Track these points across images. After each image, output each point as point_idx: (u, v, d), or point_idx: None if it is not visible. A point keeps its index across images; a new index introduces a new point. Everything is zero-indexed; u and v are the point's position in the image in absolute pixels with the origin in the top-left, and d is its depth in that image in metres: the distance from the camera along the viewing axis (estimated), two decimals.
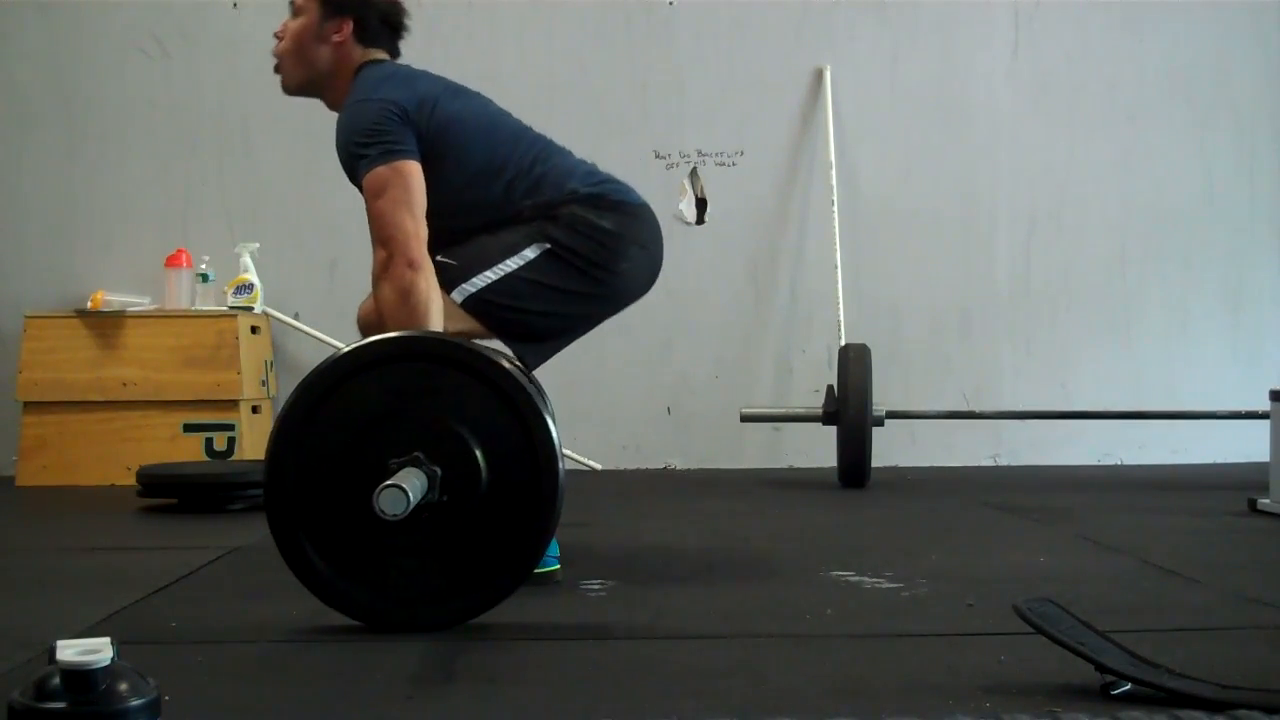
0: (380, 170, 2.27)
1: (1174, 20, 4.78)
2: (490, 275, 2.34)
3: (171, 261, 4.33)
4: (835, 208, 4.53)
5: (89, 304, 4.16)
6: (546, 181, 2.40)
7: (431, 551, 1.88)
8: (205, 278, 4.32)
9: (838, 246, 4.49)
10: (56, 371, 4.09)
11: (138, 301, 4.27)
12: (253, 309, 4.28)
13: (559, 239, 2.37)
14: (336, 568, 1.88)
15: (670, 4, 4.67)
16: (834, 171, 4.56)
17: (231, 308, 4.23)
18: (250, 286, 4.28)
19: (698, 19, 4.67)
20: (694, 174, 4.65)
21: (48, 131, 4.56)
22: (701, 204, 4.66)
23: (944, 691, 1.54)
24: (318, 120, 4.64)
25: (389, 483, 1.77)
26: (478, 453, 1.87)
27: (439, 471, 1.85)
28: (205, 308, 4.26)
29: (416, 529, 1.85)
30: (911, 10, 4.72)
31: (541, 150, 2.46)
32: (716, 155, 4.66)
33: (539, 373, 2.50)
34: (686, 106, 4.66)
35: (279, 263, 4.43)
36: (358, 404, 1.89)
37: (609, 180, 2.48)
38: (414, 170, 2.28)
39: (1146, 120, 4.78)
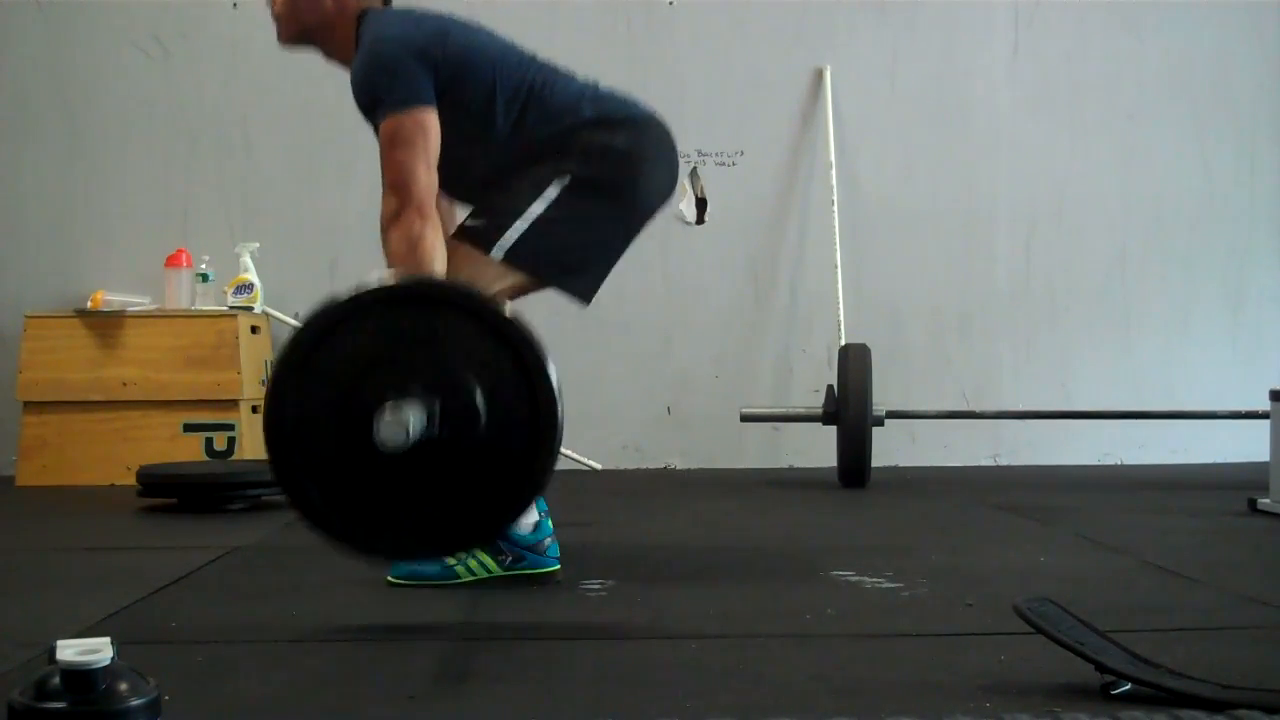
0: (399, 118, 2.26)
1: (1174, 20, 4.78)
2: (521, 225, 2.33)
3: (171, 261, 4.33)
4: (835, 208, 4.53)
5: (89, 304, 4.16)
6: (556, 106, 2.39)
7: (431, 488, 1.87)
8: (205, 278, 4.32)
9: (838, 246, 4.49)
10: (56, 371, 4.09)
11: (138, 301, 4.27)
12: (253, 309, 4.28)
13: (576, 170, 2.36)
14: (337, 505, 1.88)
15: (670, 4, 4.67)
16: (834, 171, 4.56)
17: (231, 308, 4.23)
18: (250, 286, 4.28)
19: (697, 19, 4.67)
20: (694, 174, 4.65)
21: (48, 131, 4.55)
22: (701, 204, 4.66)
23: (944, 691, 1.54)
24: (318, 120, 4.68)
25: (388, 416, 1.77)
26: (476, 389, 1.86)
27: (438, 406, 1.83)
28: (205, 308, 4.26)
29: (416, 466, 1.83)
30: (911, 10, 4.72)
31: (550, 75, 2.45)
32: (716, 155, 4.66)
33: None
34: (686, 106, 4.65)
35: (279, 263, 4.42)
36: (357, 345, 1.88)
37: (611, 98, 2.46)
38: (431, 119, 2.28)
39: (1146, 120, 4.78)
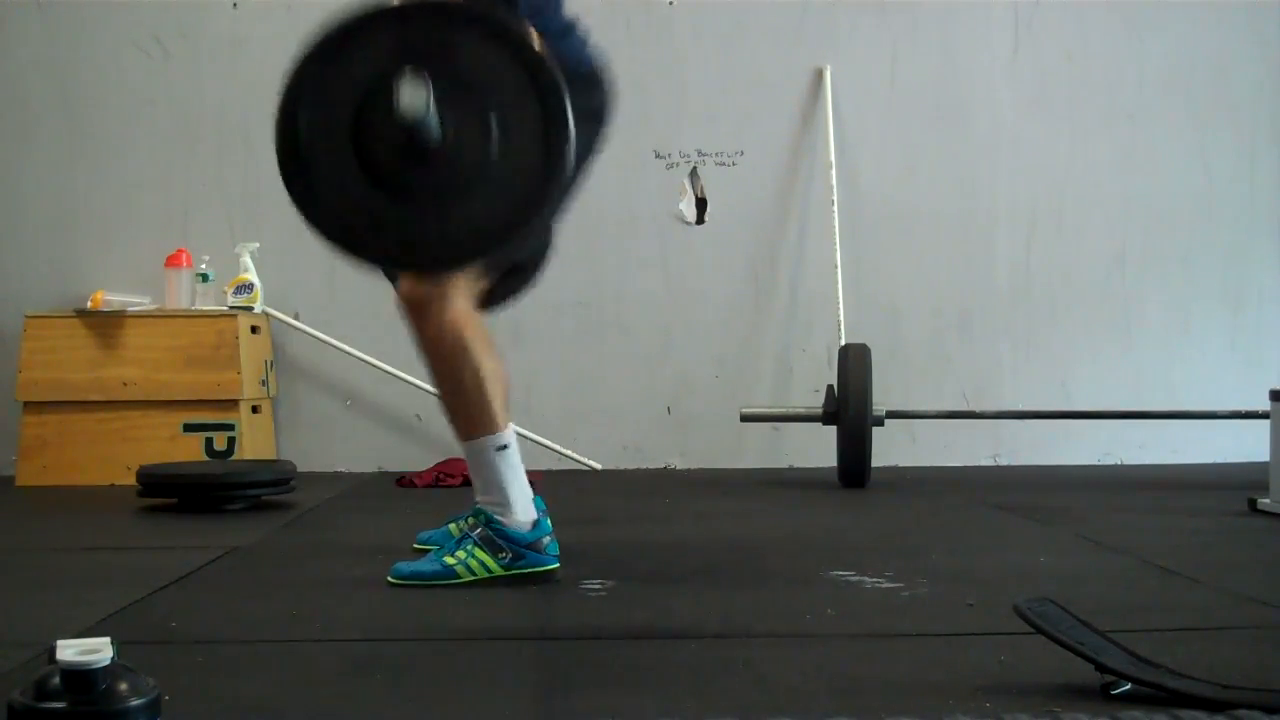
0: None
1: (1174, 20, 4.78)
2: None
3: (171, 261, 4.33)
4: (835, 208, 4.53)
5: (89, 304, 4.16)
6: None
7: (439, 196, 1.88)
8: (205, 278, 4.32)
9: (838, 246, 4.48)
10: (56, 371, 4.09)
11: (138, 301, 4.27)
12: (253, 309, 4.28)
13: None
14: (347, 212, 1.89)
15: (670, 4, 4.67)
16: (834, 171, 4.55)
17: (231, 308, 4.23)
18: (250, 286, 4.28)
19: (697, 19, 4.67)
20: (694, 174, 4.65)
21: (48, 131, 4.55)
22: (701, 204, 4.66)
23: (944, 691, 1.54)
24: None
25: (409, 84, 1.77)
26: (493, 104, 1.86)
27: (452, 110, 1.84)
28: (205, 308, 4.26)
29: (426, 171, 1.84)
30: (911, 10, 4.72)
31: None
32: (716, 155, 4.66)
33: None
34: (686, 106, 4.66)
35: (279, 263, 4.43)
36: (372, 57, 1.88)
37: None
38: None
39: (1146, 120, 4.78)
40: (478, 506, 2.34)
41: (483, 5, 1.93)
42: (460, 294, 2.23)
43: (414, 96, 1.77)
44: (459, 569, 2.29)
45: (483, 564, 2.29)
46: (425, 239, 1.91)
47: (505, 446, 2.30)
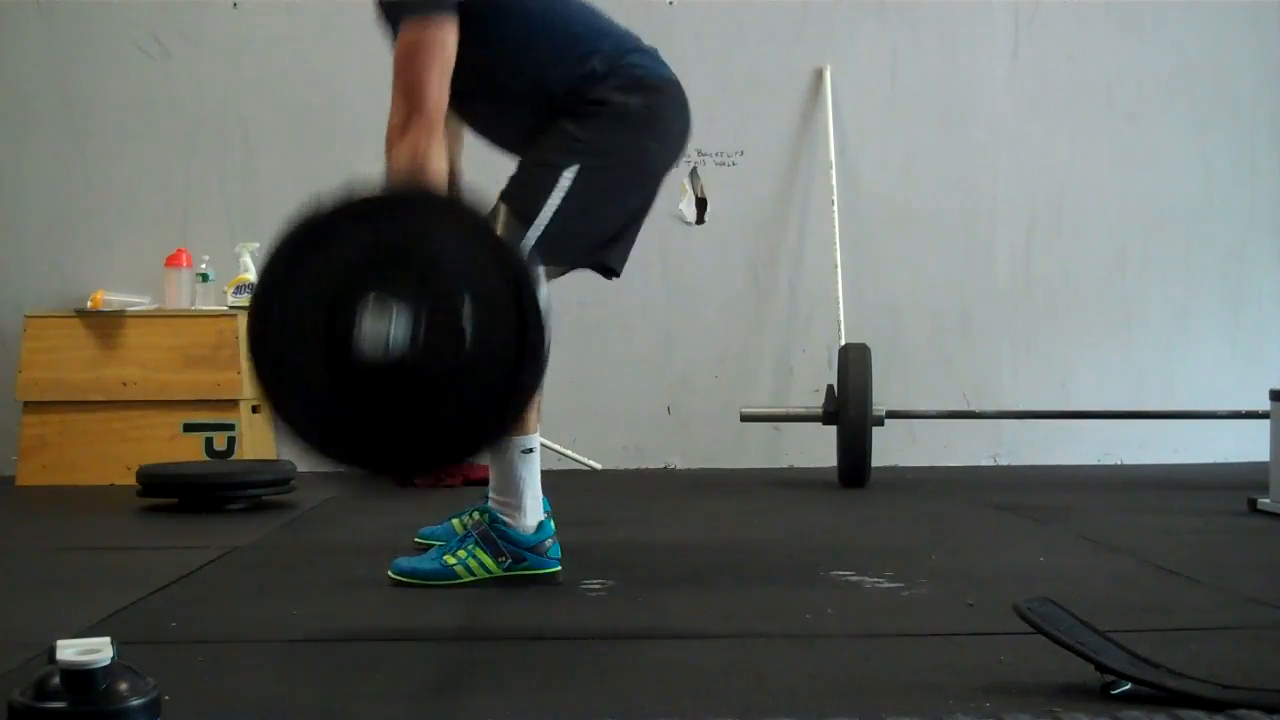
0: (420, 27, 2.22)
1: (1174, 20, 4.78)
2: (540, 224, 2.30)
3: (171, 261, 4.33)
4: (835, 208, 4.53)
5: (89, 304, 4.16)
6: (576, 49, 2.36)
7: (413, 403, 1.83)
8: (205, 277, 4.32)
9: (838, 246, 4.48)
10: (56, 371, 4.09)
11: (138, 301, 4.27)
12: None
13: (587, 152, 2.33)
14: (318, 417, 1.83)
15: (670, 4, 4.67)
16: (834, 171, 4.55)
17: (231, 307, 4.23)
18: (250, 286, 4.28)
19: (697, 18, 4.67)
20: (694, 174, 4.65)
21: (48, 131, 4.55)
22: (701, 204, 4.66)
23: (944, 691, 1.54)
24: (318, 120, 4.68)
25: (369, 325, 1.75)
26: (465, 302, 1.82)
27: (425, 317, 1.79)
28: (205, 307, 4.26)
29: (398, 380, 1.80)
30: (911, 10, 4.72)
31: (583, 13, 2.42)
32: (716, 155, 4.66)
33: None
34: None
35: None
36: (344, 252, 1.84)
37: (634, 51, 2.42)
38: (451, 32, 2.24)
39: (1146, 120, 4.77)
40: (487, 504, 2.35)
41: (452, 195, 1.91)
42: None
43: (375, 331, 1.73)
44: (458, 569, 2.29)
45: (482, 564, 2.29)
46: (395, 447, 1.85)
47: (530, 450, 2.32)
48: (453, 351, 1.82)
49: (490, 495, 2.35)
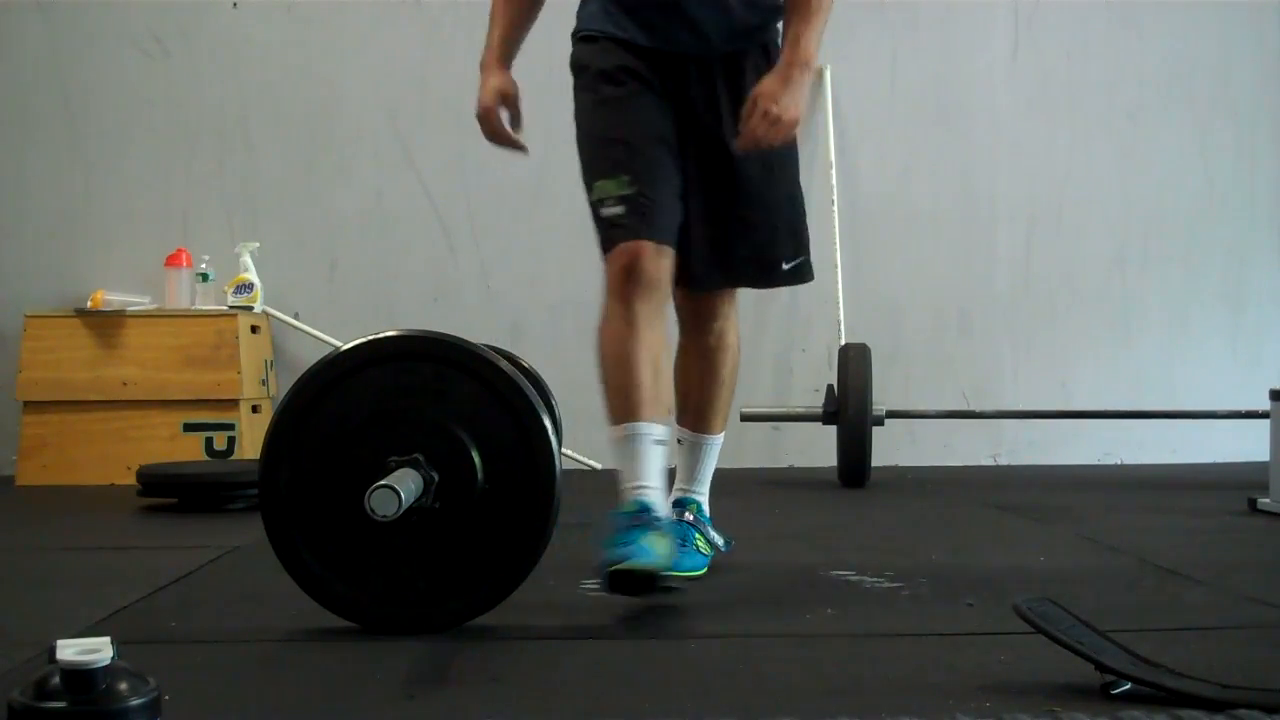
0: None
1: (1174, 20, 4.78)
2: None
3: (171, 261, 4.33)
4: (835, 207, 4.52)
5: (89, 303, 4.16)
6: None
7: (426, 554, 1.87)
8: (205, 277, 4.32)
9: (838, 246, 4.48)
10: (56, 371, 4.09)
11: (138, 301, 4.27)
12: (253, 309, 4.28)
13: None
14: (330, 567, 1.87)
15: None
16: (834, 171, 4.55)
17: (231, 307, 4.23)
18: (250, 286, 4.28)
19: None
20: None
21: (48, 131, 4.55)
22: None
23: (944, 691, 1.54)
24: (318, 120, 4.68)
25: (381, 483, 1.76)
26: (474, 456, 1.87)
27: (435, 476, 1.84)
28: (205, 307, 4.26)
29: (410, 531, 1.84)
30: (911, 10, 4.72)
31: None
32: None
33: (542, 367, 2.52)
34: None
35: (279, 263, 4.42)
36: (354, 402, 1.88)
37: None
38: None
39: (1146, 120, 4.77)
40: (692, 497, 2.49)
41: (461, 345, 1.92)
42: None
43: (385, 501, 1.73)
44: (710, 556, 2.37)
45: (710, 543, 2.39)
46: (412, 605, 1.88)
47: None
48: (463, 501, 1.86)
49: (692, 489, 2.53)
